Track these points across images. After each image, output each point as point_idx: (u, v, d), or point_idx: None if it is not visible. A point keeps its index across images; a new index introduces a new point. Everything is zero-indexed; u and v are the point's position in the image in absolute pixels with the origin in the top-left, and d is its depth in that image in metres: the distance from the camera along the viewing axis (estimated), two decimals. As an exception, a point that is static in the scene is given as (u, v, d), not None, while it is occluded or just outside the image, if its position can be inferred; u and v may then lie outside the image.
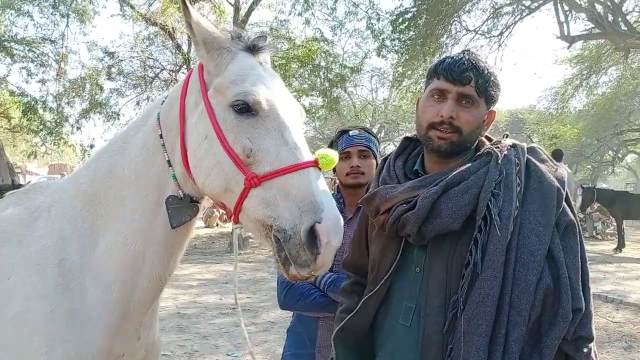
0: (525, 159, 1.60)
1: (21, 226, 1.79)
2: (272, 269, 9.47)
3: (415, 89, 18.44)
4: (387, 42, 16.92)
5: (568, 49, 17.90)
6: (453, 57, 1.66)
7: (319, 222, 1.36)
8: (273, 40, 16.90)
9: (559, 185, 1.56)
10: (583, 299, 1.50)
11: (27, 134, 16.40)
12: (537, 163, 1.61)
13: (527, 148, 1.66)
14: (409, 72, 17.64)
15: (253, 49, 1.64)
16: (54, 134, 15.01)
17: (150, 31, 15.84)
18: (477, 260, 1.48)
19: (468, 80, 1.60)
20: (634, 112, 30.80)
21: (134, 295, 1.73)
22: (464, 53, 1.67)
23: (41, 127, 14.98)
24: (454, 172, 1.58)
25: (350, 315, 1.77)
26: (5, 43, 13.81)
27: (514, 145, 1.65)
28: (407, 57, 16.85)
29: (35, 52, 14.47)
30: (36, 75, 14.74)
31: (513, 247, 1.48)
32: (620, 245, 15.54)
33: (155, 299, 1.85)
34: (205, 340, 6.27)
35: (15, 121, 16.91)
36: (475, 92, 1.61)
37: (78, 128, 15.59)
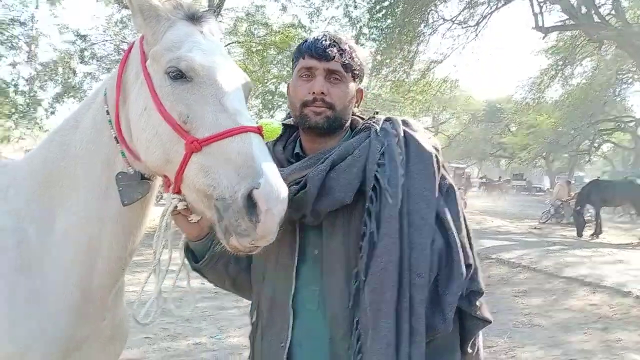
0: (402, 130, 1.63)
1: None
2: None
3: (394, 78, 18.44)
4: (365, 30, 16.88)
5: (543, 39, 18.11)
6: (315, 37, 1.71)
7: (256, 188, 1.29)
8: (249, 25, 16.73)
9: (435, 152, 1.62)
10: (471, 255, 1.59)
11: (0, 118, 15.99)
12: (413, 133, 1.64)
13: (402, 120, 1.69)
14: (388, 61, 17.65)
15: (193, 17, 1.61)
16: (27, 118, 14.66)
17: (123, 14, 15.46)
18: (373, 230, 1.50)
19: (332, 56, 1.63)
20: (608, 102, 31.37)
21: (93, 277, 1.70)
22: (324, 33, 1.72)
23: (13, 110, 14.61)
24: (338, 148, 1.60)
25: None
26: (-27, 24, 13.38)
27: (388, 119, 1.68)
28: (385, 46, 16.84)
29: (4, 34, 14.02)
30: (6, 58, 14.35)
31: (404, 213, 1.52)
32: (598, 232, 15.87)
33: (118, 281, 1.80)
34: (188, 323, 6.24)
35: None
36: (342, 68, 1.64)
37: (52, 112, 15.25)
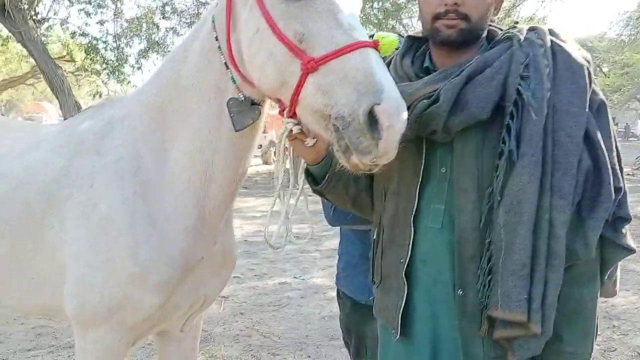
0: (549, 40, 1.48)
1: (98, 137, 1.87)
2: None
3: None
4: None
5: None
6: None
7: (378, 104, 1.26)
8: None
9: (587, 64, 1.47)
10: (621, 177, 1.46)
11: (91, 75, 16.77)
12: (561, 43, 1.49)
13: (548, 30, 1.53)
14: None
15: None
16: (117, 73, 15.29)
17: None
18: (512, 149, 1.40)
19: None
20: None
21: (207, 201, 1.78)
22: None
23: (104, 65, 15.29)
24: (476, 60, 1.47)
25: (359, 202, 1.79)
26: (62, -16, 13.94)
27: (533, 28, 1.53)
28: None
29: (91, -7, 14.56)
30: (95, 15, 14.90)
31: (549, 130, 1.40)
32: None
33: (229, 206, 1.88)
34: (273, 265, 6.57)
35: (79, 63, 17.26)
36: None
37: (139, 68, 15.82)
